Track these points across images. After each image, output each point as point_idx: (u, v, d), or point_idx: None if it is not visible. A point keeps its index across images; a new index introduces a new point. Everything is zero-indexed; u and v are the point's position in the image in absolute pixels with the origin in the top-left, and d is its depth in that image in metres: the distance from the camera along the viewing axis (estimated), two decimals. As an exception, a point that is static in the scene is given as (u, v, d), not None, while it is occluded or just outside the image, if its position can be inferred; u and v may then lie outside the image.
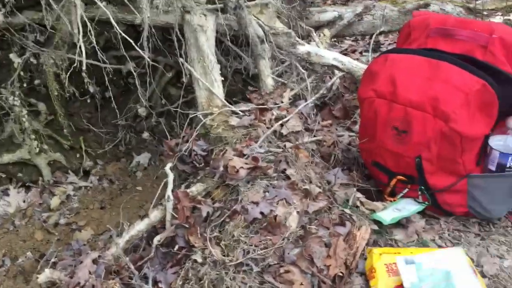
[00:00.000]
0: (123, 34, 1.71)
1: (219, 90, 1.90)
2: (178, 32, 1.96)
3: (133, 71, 1.91)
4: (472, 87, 1.38)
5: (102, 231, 2.13)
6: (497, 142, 1.53)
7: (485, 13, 3.02)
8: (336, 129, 2.20)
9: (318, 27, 2.66)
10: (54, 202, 2.34)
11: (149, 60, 1.81)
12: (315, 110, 2.19)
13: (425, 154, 1.49)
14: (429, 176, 1.54)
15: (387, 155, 1.61)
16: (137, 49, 1.74)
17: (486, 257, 1.53)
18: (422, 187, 1.58)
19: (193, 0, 2.02)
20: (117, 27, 1.67)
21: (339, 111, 2.33)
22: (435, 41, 1.53)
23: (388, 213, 1.57)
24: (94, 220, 2.20)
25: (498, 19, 3.01)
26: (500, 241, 1.61)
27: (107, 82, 1.88)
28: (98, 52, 1.86)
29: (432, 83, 1.44)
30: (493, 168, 1.54)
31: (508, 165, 1.52)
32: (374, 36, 2.72)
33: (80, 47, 1.63)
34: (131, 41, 1.72)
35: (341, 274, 1.39)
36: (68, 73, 1.88)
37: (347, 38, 3.80)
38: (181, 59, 1.89)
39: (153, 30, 1.88)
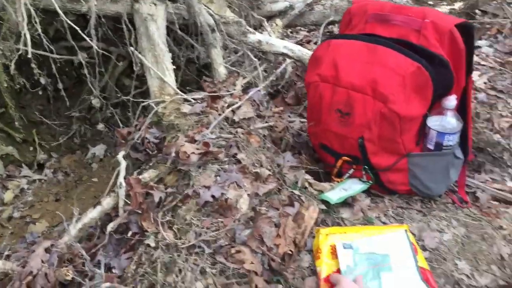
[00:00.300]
0: (70, 23, 1.70)
1: (170, 78, 1.92)
2: (128, 22, 1.96)
3: (83, 61, 1.90)
4: (407, 69, 1.46)
5: (57, 223, 2.12)
6: (434, 122, 1.61)
7: (430, 2, 3.14)
8: (289, 116, 2.26)
9: (270, 17, 2.71)
10: (8, 196, 2.31)
11: (97, 48, 1.81)
12: (267, 97, 2.24)
13: (367, 134, 1.56)
14: (372, 156, 1.61)
15: (333, 137, 1.68)
16: (85, 37, 1.74)
17: (427, 232, 1.61)
18: (366, 167, 1.65)
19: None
20: (63, 16, 1.66)
21: (292, 98, 2.39)
22: (373, 27, 1.60)
23: (335, 193, 1.64)
24: (49, 212, 2.19)
25: (443, 8, 3.14)
26: (441, 217, 1.71)
27: (54, 71, 1.86)
28: (47, 43, 1.85)
29: (371, 67, 1.51)
30: (431, 147, 1.63)
31: (444, 144, 1.61)
32: (323, 26, 2.79)
33: (25, 36, 1.61)
34: (78, 29, 1.71)
35: (290, 252, 1.44)
36: (13, 63, 1.85)
37: (302, 29, 3.87)
38: (131, 48, 1.90)
39: (102, 19, 1.88)
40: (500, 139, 2.11)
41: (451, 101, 1.57)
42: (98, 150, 2.56)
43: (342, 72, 1.56)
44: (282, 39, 2.66)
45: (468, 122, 1.71)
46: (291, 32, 3.84)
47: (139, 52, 1.95)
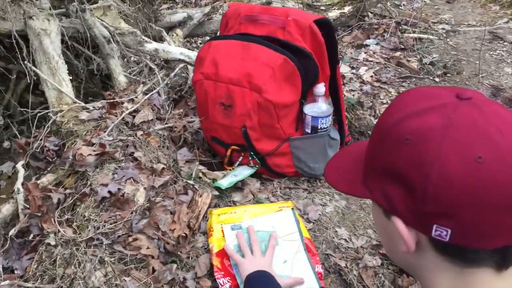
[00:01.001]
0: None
1: (68, 88, 2.00)
2: (18, 37, 2.02)
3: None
4: (276, 62, 1.64)
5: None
6: (309, 109, 1.81)
7: (322, 8, 3.42)
8: (191, 117, 2.39)
9: (171, 27, 2.85)
10: None
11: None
12: (169, 102, 2.37)
13: (248, 123, 1.73)
14: (256, 142, 1.78)
15: (220, 129, 1.83)
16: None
17: (311, 206, 1.80)
18: (252, 153, 1.82)
19: (37, 6, 2.10)
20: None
21: (194, 101, 2.53)
22: (246, 27, 1.78)
23: (227, 179, 1.79)
24: (-46, 232, 2.16)
25: (334, 12, 3.42)
26: (324, 193, 1.90)
27: None
28: None
29: (246, 62, 1.68)
30: (308, 130, 1.83)
31: (319, 127, 1.81)
32: (219, 34, 2.96)
33: None
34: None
35: (184, 235, 1.57)
36: None
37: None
38: (26, 62, 1.96)
39: (-6, 36, 1.93)
40: (379, 123, 2.37)
41: (320, 88, 1.77)
42: (6, 167, 2.57)
43: (222, 69, 1.72)
44: (184, 48, 2.80)
45: (341, 107, 1.93)
46: (200, 44, 4.02)
47: (35, 66, 2.02)
